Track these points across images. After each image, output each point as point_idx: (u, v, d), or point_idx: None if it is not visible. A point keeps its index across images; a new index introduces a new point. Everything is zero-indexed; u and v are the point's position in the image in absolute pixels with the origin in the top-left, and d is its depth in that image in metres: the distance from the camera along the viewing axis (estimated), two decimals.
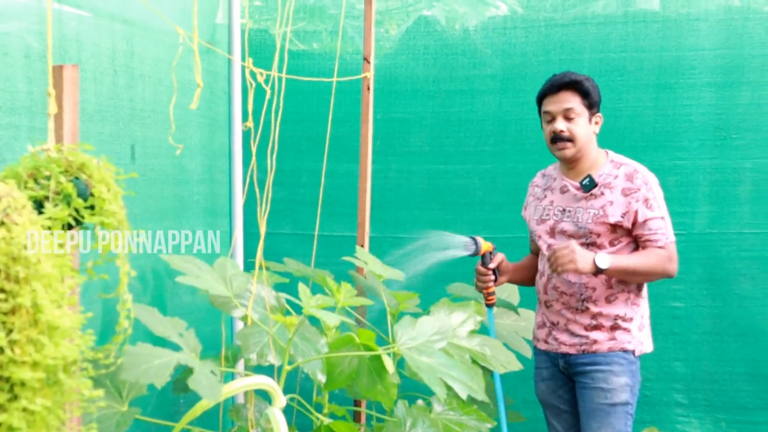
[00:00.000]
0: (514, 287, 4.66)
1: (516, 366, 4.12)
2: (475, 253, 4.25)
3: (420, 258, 4.20)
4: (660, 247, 4.03)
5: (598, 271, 3.93)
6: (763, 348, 5.31)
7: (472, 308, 4.14)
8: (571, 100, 4.07)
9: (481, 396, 3.25)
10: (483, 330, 4.30)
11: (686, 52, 5.26)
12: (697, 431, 5.40)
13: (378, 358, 3.25)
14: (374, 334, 3.32)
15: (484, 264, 4.31)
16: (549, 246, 4.17)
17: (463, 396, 3.17)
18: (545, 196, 4.27)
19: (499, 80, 5.43)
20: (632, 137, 5.26)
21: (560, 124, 4.07)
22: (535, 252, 4.47)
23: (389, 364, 3.26)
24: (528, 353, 4.42)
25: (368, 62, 4.61)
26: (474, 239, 4.24)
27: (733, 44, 5.22)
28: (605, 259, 3.91)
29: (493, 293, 4.36)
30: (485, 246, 4.26)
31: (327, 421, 3.37)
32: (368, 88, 4.63)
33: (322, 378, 3.38)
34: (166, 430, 3.09)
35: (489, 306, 4.37)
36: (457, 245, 4.22)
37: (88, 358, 2.04)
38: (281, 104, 3.63)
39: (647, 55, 5.29)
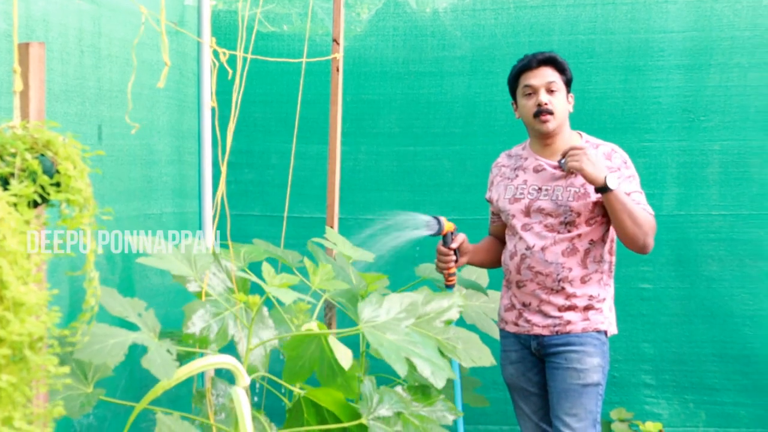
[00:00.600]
0: (484, 270, 4.65)
1: (487, 362, 4.04)
2: (438, 233, 4.22)
3: (383, 239, 4.19)
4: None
5: (600, 190, 3.88)
6: (731, 329, 5.35)
7: (455, 296, 4.09)
8: (552, 75, 4.07)
9: (448, 374, 3.20)
10: (461, 322, 4.29)
11: (655, 34, 5.28)
12: (665, 412, 5.43)
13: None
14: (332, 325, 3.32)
15: (445, 244, 4.27)
16: (524, 225, 4.13)
17: (427, 375, 3.13)
18: (516, 176, 4.22)
19: (468, 62, 5.43)
20: (601, 119, 5.28)
21: (544, 97, 4.05)
22: (495, 234, 4.45)
23: (343, 355, 3.24)
24: (497, 335, 4.41)
25: (337, 43, 4.60)
26: (437, 219, 4.21)
27: (701, 26, 5.24)
28: (615, 181, 3.86)
29: (453, 274, 4.33)
30: (447, 226, 4.23)
31: (304, 392, 3.35)
32: (337, 70, 4.62)
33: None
34: (132, 411, 3.08)
35: (449, 287, 4.34)
36: (419, 224, 4.20)
37: (54, 336, 2.03)
38: (243, 84, 3.61)
39: (616, 38, 5.31)
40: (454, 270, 4.32)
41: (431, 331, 3.82)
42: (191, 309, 3.30)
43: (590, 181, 3.87)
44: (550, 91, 4.07)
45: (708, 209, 5.31)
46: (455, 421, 4.12)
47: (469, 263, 4.41)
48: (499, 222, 4.39)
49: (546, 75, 4.08)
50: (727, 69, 5.25)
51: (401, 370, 3.00)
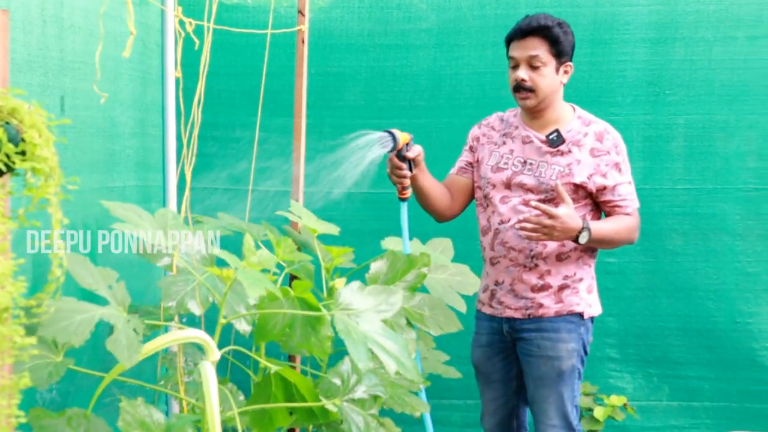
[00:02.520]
0: (449, 243, 4.61)
1: (454, 327, 4.04)
2: (394, 149, 4.04)
3: (341, 172, 3.97)
4: (628, 214, 3.98)
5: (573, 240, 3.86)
6: (695, 303, 5.38)
7: (417, 265, 4.04)
8: (538, 47, 3.92)
9: (411, 375, 3.15)
10: (423, 289, 4.27)
11: (621, 7, 5.28)
12: (629, 386, 5.45)
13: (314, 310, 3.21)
14: (311, 284, 3.28)
15: (400, 156, 4.09)
16: (503, 198, 4.04)
17: (391, 372, 3.08)
18: (504, 143, 4.13)
19: (434, 35, 5.41)
20: (566, 92, 5.20)
21: (522, 72, 3.93)
22: (452, 183, 4.32)
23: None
24: (463, 308, 4.37)
25: (303, 15, 4.56)
26: (390, 132, 4.02)
27: (667, 0, 5.24)
28: (586, 236, 3.81)
29: (407, 187, 4.18)
30: (403, 138, 4.04)
31: (275, 367, 3.32)
32: (302, 41, 4.58)
33: (247, 328, 3.33)
34: (100, 381, 3.04)
35: (402, 200, 4.22)
36: (372, 143, 3.98)
37: (21, 306, 2.00)
38: (208, 56, 3.57)
39: (582, 11, 5.30)
40: (408, 183, 4.16)
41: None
42: (167, 284, 3.25)
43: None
44: (532, 66, 3.93)
45: (673, 183, 5.32)
46: (418, 394, 4.11)
47: (418, 182, 4.18)
48: (468, 176, 4.29)
49: (530, 47, 3.93)
50: (692, 43, 5.26)
51: (362, 364, 2.94)
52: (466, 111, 5.22)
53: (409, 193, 4.22)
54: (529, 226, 3.80)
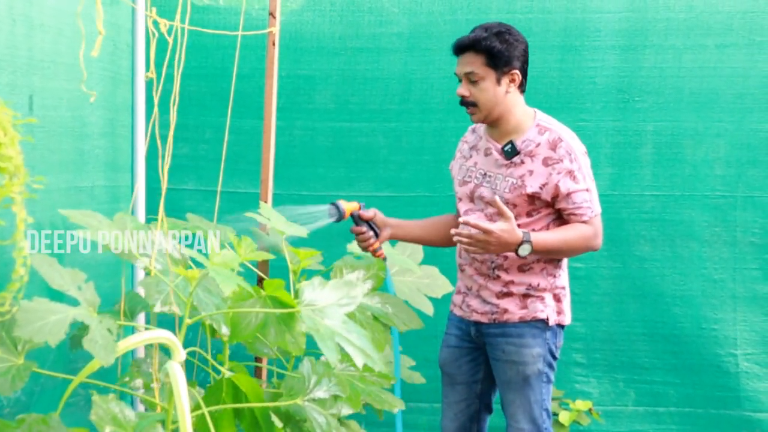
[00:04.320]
0: (419, 246, 4.62)
1: (417, 324, 4.07)
2: (340, 218, 4.17)
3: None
4: (584, 222, 3.92)
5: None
6: (661, 309, 5.40)
7: (374, 267, 4.09)
8: (473, 62, 3.91)
9: (379, 367, 3.18)
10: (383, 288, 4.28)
11: (591, 14, 5.30)
12: (595, 390, 5.47)
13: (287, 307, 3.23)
14: (283, 282, 3.29)
15: (357, 224, 4.23)
16: (467, 211, 4.09)
17: (359, 365, 3.10)
18: (471, 156, 4.15)
19: (405, 39, 5.42)
20: (536, 98, 5.27)
21: (462, 89, 3.95)
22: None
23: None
24: (430, 311, 4.40)
25: (274, 17, 4.56)
26: (335, 204, 4.16)
27: (637, 7, 5.28)
28: (527, 249, 3.78)
29: (378, 249, 4.26)
30: (348, 208, 4.17)
31: (228, 373, 3.33)
32: (273, 44, 4.58)
33: (226, 331, 3.33)
34: (65, 384, 3.04)
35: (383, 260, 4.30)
36: (321, 214, 4.14)
37: None
38: (183, 57, 3.57)
39: (553, 17, 5.32)
40: (377, 245, 4.25)
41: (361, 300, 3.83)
42: (148, 284, 3.25)
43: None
44: (471, 82, 3.93)
45: (641, 189, 5.35)
46: (393, 391, 4.13)
47: (405, 239, 4.35)
48: None
49: (465, 63, 3.94)
50: (662, 50, 5.29)
51: (333, 359, 2.97)
52: (436, 115, 5.25)
53: (383, 254, 4.28)
54: (464, 240, 3.80)
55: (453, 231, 3.85)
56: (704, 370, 5.39)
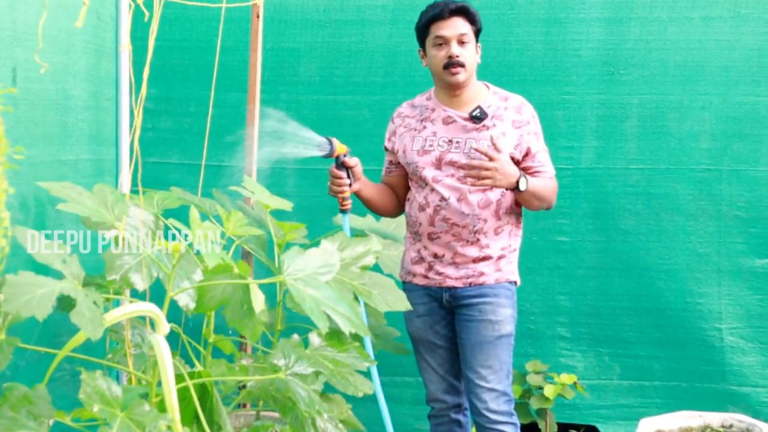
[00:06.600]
0: (402, 220, 4.61)
1: (403, 306, 4.02)
2: (329, 155, 4.13)
3: (273, 148, 4.12)
4: (550, 178, 4.16)
5: (513, 189, 4.01)
6: (646, 283, 5.40)
7: (372, 242, 4.06)
8: (464, 26, 4.09)
9: (364, 332, 3.19)
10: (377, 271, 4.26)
11: None
12: (580, 364, 5.47)
13: (250, 291, 3.22)
14: (249, 268, 3.29)
15: (338, 167, 4.20)
16: (435, 177, 4.13)
17: (347, 331, 3.11)
18: (424, 127, 4.22)
19: (390, 11, 5.40)
20: (521, 71, 5.28)
21: (455, 49, 4.06)
22: (389, 183, 4.43)
23: (258, 300, 3.23)
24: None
25: None
26: (329, 140, 4.12)
27: None
28: (525, 183, 3.98)
29: (347, 198, 4.25)
30: (340, 148, 4.15)
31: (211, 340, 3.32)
32: (258, 16, 4.56)
33: (191, 304, 3.32)
34: (49, 358, 3.02)
35: (344, 211, 4.29)
36: (311, 143, 4.11)
37: None
38: (155, 28, 3.53)
39: None
40: (347, 194, 4.24)
41: (347, 276, 3.81)
42: (110, 257, 3.24)
43: (504, 188, 4.02)
44: (461, 43, 4.08)
45: (626, 163, 5.34)
46: (369, 371, 4.12)
47: (362, 195, 4.32)
48: (397, 172, 4.39)
49: (458, 26, 4.09)
50: (647, 23, 5.27)
51: (323, 326, 2.97)
52: (421, 88, 5.18)
53: (349, 204, 4.29)
54: (473, 172, 3.92)
55: (463, 165, 4.01)
56: (689, 344, 5.39)
